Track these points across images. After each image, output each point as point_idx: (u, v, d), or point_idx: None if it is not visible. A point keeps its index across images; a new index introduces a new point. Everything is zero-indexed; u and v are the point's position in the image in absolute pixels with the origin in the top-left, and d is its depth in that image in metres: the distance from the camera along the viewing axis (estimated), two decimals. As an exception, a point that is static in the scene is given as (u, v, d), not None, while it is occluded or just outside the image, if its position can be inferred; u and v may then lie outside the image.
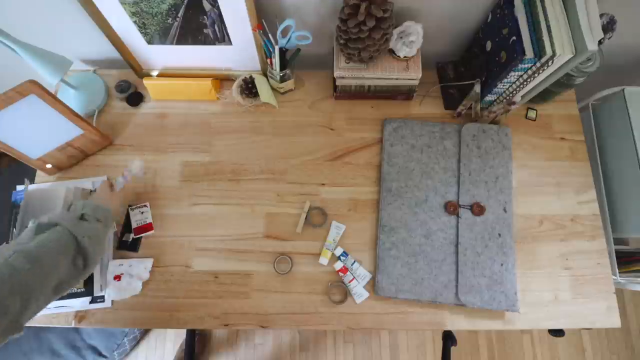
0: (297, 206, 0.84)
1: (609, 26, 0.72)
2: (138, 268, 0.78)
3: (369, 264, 0.81)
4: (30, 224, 0.61)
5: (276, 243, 0.82)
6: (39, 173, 0.86)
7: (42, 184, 0.85)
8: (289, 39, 0.77)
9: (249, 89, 0.88)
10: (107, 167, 0.87)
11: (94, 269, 0.65)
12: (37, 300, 0.53)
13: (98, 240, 0.64)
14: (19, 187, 0.82)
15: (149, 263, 0.79)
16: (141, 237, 0.81)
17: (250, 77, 0.88)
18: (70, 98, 0.89)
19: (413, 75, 0.80)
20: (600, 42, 0.70)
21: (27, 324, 0.75)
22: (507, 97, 0.82)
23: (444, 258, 0.78)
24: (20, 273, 0.51)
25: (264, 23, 0.75)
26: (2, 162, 1.26)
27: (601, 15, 0.69)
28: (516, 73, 0.72)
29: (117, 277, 0.77)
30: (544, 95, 0.86)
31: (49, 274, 0.55)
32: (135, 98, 0.92)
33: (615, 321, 0.78)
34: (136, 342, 1.44)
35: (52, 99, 0.71)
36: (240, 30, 0.78)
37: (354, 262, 0.80)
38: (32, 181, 0.86)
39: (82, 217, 0.64)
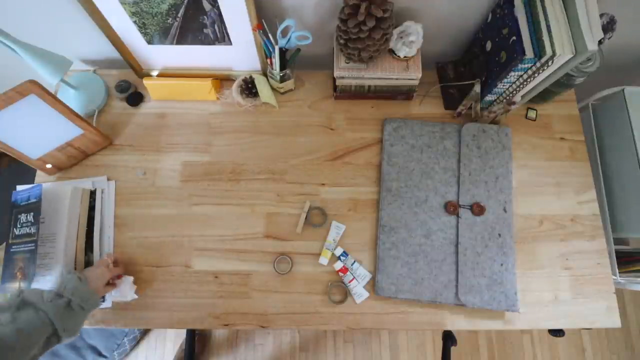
0: (297, 206, 0.84)
1: (609, 26, 0.72)
2: (123, 290, 0.76)
3: (369, 264, 0.81)
4: (14, 295, 0.60)
5: (276, 243, 0.82)
6: (39, 173, 0.86)
7: (47, 183, 0.85)
8: (289, 39, 0.77)
9: (249, 89, 0.88)
10: (107, 167, 0.87)
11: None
12: None
13: (76, 329, 0.63)
14: (19, 187, 0.82)
15: (129, 279, 0.76)
16: None
17: (250, 77, 0.88)
18: (70, 98, 0.89)
19: (413, 75, 0.80)
20: (600, 42, 0.70)
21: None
22: (507, 97, 0.82)
23: (444, 258, 0.78)
24: None
25: (264, 23, 0.75)
26: (2, 162, 1.26)
27: (601, 15, 0.69)
28: (516, 73, 0.72)
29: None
30: (544, 95, 0.86)
31: (21, 357, 0.54)
32: (135, 98, 0.92)
33: (615, 321, 0.78)
34: (136, 342, 1.44)
35: (52, 99, 0.71)
36: (240, 30, 0.78)
37: (354, 262, 0.80)
38: (32, 181, 0.86)
39: (68, 304, 0.62)
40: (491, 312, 0.78)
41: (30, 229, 0.75)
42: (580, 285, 0.80)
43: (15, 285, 0.73)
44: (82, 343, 1.30)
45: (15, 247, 0.75)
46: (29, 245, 0.74)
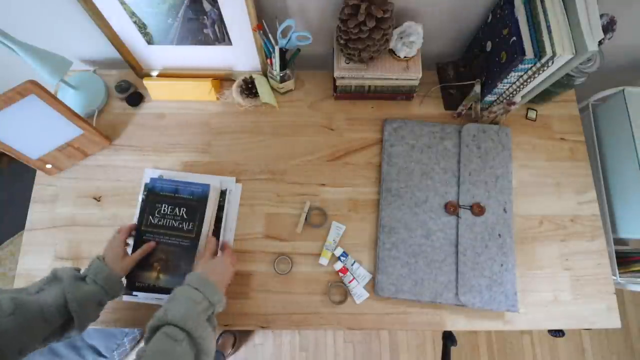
0: (297, 206, 0.84)
1: (609, 26, 0.72)
2: None
3: (369, 264, 0.81)
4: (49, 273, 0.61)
5: (276, 243, 0.82)
6: (39, 173, 0.86)
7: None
8: (289, 39, 0.77)
9: (249, 89, 0.88)
10: (107, 167, 0.87)
11: (81, 333, 0.61)
12: (12, 354, 0.50)
13: (87, 305, 0.60)
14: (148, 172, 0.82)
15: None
16: None
17: (250, 77, 0.88)
18: (70, 98, 0.89)
19: (413, 76, 0.80)
20: (600, 43, 0.70)
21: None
22: (507, 98, 0.82)
23: (443, 258, 0.78)
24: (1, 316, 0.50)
25: (264, 23, 0.75)
26: (2, 162, 1.26)
27: (601, 16, 0.69)
28: (516, 73, 0.72)
29: None
30: (544, 96, 0.86)
31: (31, 329, 0.53)
32: (135, 98, 0.92)
33: (615, 321, 0.78)
34: (136, 342, 1.44)
35: (52, 99, 0.71)
36: (240, 30, 0.78)
37: (354, 262, 0.80)
38: (32, 181, 0.86)
39: (83, 279, 0.63)
40: (491, 312, 0.78)
41: (182, 223, 0.76)
42: (581, 285, 0.80)
43: (153, 275, 0.73)
44: (82, 343, 1.30)
45: (148, 235, 0.75)
46: (177, 240, 0.75)
